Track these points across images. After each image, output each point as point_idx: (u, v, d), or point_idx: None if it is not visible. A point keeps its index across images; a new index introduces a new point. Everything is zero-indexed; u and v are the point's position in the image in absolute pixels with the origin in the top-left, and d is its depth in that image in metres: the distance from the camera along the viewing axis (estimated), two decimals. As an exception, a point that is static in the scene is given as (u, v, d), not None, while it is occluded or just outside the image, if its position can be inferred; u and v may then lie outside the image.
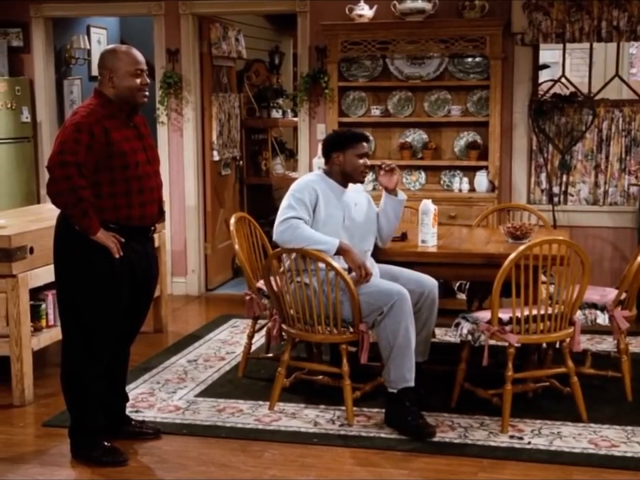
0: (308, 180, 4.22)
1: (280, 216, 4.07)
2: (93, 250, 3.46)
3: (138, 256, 3.61)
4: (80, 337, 3.60)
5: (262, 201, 8.20)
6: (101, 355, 3.65)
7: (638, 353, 5.12)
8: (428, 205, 4.52)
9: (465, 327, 4.10)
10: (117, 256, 3.49)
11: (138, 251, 3.61)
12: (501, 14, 6.05)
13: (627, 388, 4.32)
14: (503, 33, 5.96)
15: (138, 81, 3.55)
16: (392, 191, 4.37)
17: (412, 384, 3.98)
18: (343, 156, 4.19)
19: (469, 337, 4.07)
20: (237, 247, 4.64)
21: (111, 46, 3.73)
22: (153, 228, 3.70)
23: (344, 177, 4.23)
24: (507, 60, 6.10)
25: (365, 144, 4.25)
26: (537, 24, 6.00)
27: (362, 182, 4.34)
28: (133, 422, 3.96)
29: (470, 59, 6.23)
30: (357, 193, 4.34)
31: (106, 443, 3.70)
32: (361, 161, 4.21)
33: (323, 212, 4.13)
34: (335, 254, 4.02)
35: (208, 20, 6.91)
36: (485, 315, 4.10)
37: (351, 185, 4.30)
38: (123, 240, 3.51)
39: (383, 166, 4.33)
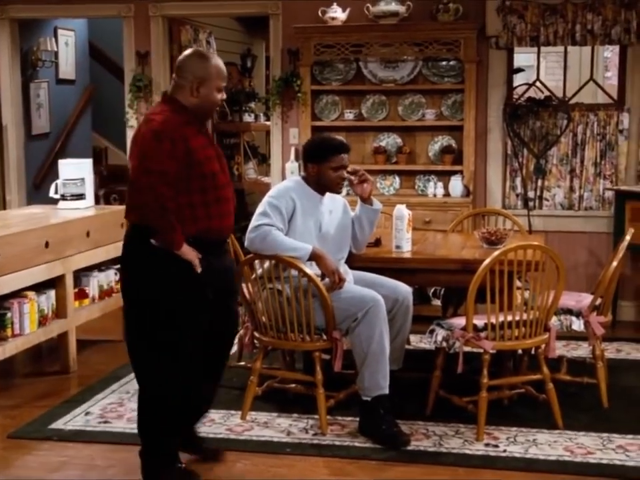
0: (286, 187, 4.19)
1: (252, 222, 4.06)
2: (173, 264, 3.28)
3: (216, 271, 3.42)
4: (160, 359, 3.38)
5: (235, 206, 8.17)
6: (185, 377, 3.44)
7: (614, 359, 5.16)
8: (402, 210, 4.53)
9: (440, 333, 4.12)
10: (199, 270, 3.33)
11: (215, 265, 3.42)
12: (475, 17, 6.10)
13: (602, 395, 4.35)
14: (478, 36, 6.01)
15: (220, 96, 3.44)
16: (367, 200, 4.36)
17: (386, 391, 3.98)
18: (318, 168, 4.16)
19: (444, 344, 4.09)
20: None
21: (197, 51, 3.50)
22: (228, 240, 3.59)
23: (320, 187, 4.22)
24: (481, 63, 6.14)
25: (343, 155, 4.18)
26: (511, 27, 6.05)
27: (338, 193, 4.31)
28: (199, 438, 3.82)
29: (444, 63, 6.26)
30: (333, 200, 4.33)
31: (181, 465, 3.54)
32: (336, 174, 4.16)
33: (300, 221, 4.12)
34: (308, 260, 4.01)
35: (178, 22, 6.89)
36: (459, 321, 4.12)
37: (327, 194, 4.29)
38: (200, 255, 3.34)
39: (354, 179, 4.30)
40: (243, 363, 4.78)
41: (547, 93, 6.27)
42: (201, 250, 3.35)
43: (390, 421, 3.94)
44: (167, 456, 3.51)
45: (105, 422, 4.22)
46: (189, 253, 3.31)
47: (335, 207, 4.32)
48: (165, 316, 3.35)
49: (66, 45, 8.22)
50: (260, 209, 4.10)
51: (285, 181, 4.37)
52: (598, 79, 7.24)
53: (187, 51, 3.48)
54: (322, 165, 4.14)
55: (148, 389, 3.47)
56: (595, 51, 6.54)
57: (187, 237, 3.32)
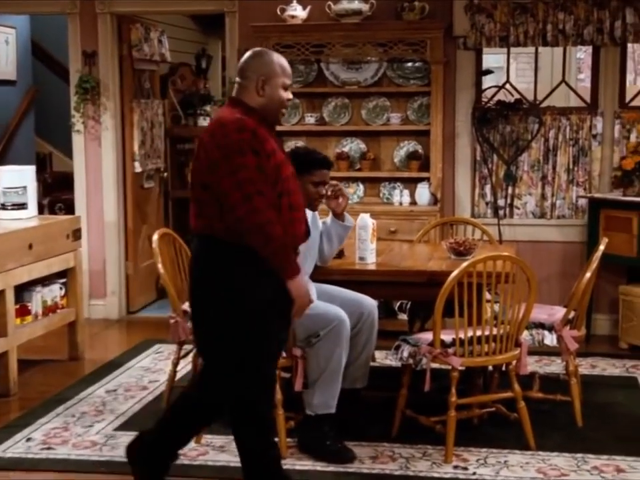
0: None
1: None
2: (262, 276, 3.26)
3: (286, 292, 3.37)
4: (250, 378, 3.37)
5: (188, 215, 8.13)
6: (272, 387, 3.53)
7: (588, 375, 5.22)
8: (366, 220, 4.54)
9: (406, 349, 4.13)
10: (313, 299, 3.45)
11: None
12: (442, 16, 6.15)
13: (576, 413, 4.39)
14: (444, 36, 6.06)
15: (286, 95, 3.41)
16: (339, 216, 4.37)
17: (333, 411, 4.04)
18: (299, 181, 4.15)
19: (410, 361, 4.10)
20: (160, 266, 4.60)
21: (257, 50, 3.49)
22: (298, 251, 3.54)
23: None
24: (448, 65, 6.20)
25: (325, 171, 4.17)
26: (479, 27, 6.11)
27: (314, 210, 4.25)
28: None
29: (410, 64, 6.31)
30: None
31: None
32: (316, 189, 4.15)
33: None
34: None
35: (128, 20, 6.86)
36: (426, 336, 4.14)
37: None
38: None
39: (329, 192, 4.27)
40: (197, 383, 4.75)
41: (517, 96, 6.34)
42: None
43: (334, 437, 3.99)
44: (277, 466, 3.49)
45: (48, 448, 4.17)
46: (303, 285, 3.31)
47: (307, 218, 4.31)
48: (267, 342, 3.34)
49: (6, 43, 8.14)
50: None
51: None
52: (570, 81, 7.33)
53: (248, 52, 3.47)
54: (303, 178, 4.06)
55: (247, 413, 3.40)
56: (567, 52, 6.62)
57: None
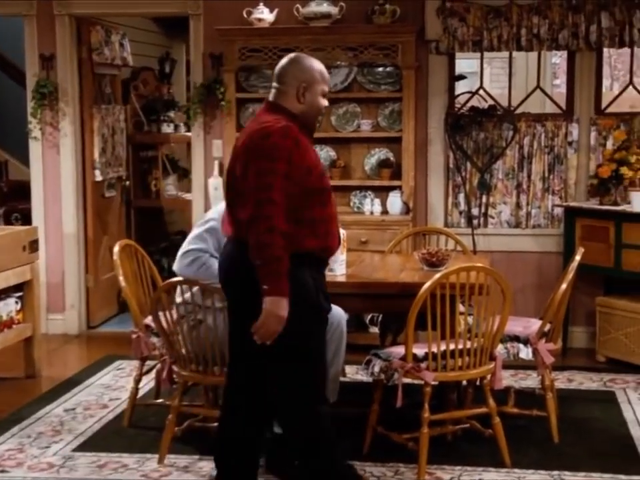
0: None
1: (187, 244, 4.02)
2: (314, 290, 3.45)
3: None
4: (309, 392, 3.54)
5: (151, 226, 8.13)
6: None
7: (565, 389, 5.26)
8: (335, 230, 4.54)
9: (377, 364, 4.13)
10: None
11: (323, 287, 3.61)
12: (413, 20, 6.19)
13: (552, 428, 4.42)
14: (416, 41, 6.10)
15: (324, 102, 3.53)
16: None
17: None
18: None
19: (382, 376, 4.10)
20: (121, 278, 4.58)
21: (297, 55, 3.59)
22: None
23: None
24: (420, 70, 6.23)
25: None
26: (452, 31, 6.16)
27: None
28: None
29: (381, 69, 6.34)
30: None
31: None
32: None
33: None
34: None
35: (88, 22, 6.84)
36: (398, 350, 4.15)
37: None
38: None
39: None
40: (160, 401, 4.74)
41: (491, 102, 6.38)
42: (319, 266, 3.53)
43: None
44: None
45: (2, 471, 4.12)
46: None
47: None
48: (317, 351, 3.53)
49: (-42, 46, 8.07)
50: (196, 230, 4.07)
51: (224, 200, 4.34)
52: (545, 87, 7.40)
53: (286, 58, 3.54)
54: None
55: (311, 430, 3.56)
56: (542, 57, 6.68)
57: (306, 253, 3.40)
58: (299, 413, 3.54)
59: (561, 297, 4.38)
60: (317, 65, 3.52)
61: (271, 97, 3.52)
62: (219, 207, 4.23)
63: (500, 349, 4.32)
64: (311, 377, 3.52)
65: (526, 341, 4.45)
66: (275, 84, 3.52)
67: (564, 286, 4.38)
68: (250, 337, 3.38)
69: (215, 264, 3.95)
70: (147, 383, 5.20)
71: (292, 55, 3.59)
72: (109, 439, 4.52)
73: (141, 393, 4.84)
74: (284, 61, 3.54)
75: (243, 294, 3.45)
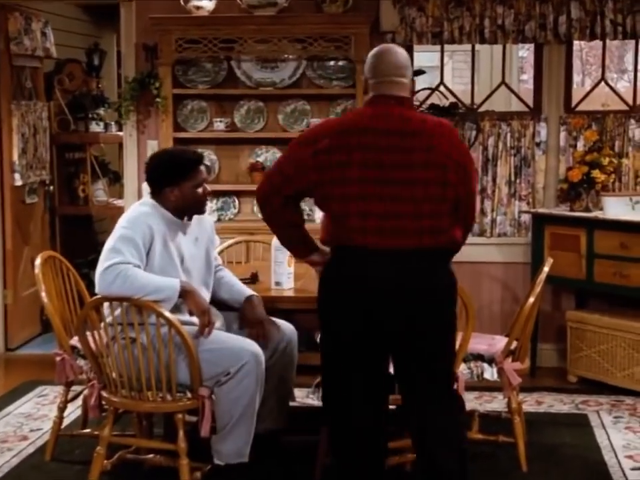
0: (141, 213, 4.14)
1: (103, 261, 3.99)
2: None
3: None
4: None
5: (79, 235, 8.06)
6: None
7: (533, 412, 5.32)
8: (282, 240, 4.55)
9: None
10: None
11: None
12: (367, 9, 6.22)
13: (520, 455, 4.44)
14: (371, 32, 6.13)
15: None
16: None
17: (246, 460, 4.04)
18: (179, 190, 4.16)
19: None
20: (44, 294, 4.54)
21: (392, 45, 3.79)
22: None
23: (182, 211, 4.21)
24: (375, 64, 6.26)
25: (202, 168, 4.24)
26: (410, 21, 6.20)
27: (203, 213, 4.34)
28: None
29: (332, 63, 6.38)
30: (200, 225, 4.33)
31: None
32: (200, 190, 4.20)
33: (159, 255, 4.08)
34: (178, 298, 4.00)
35: (4, 8, 6.78)
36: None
37: (194, 217, 4.29)
38: None
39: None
40: (88, 431, 4.70)
41: (452, 99, 6.44)
42: None
43: None
44: None
45: None
46: None
47: (201, 234, 4.33)
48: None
49: None
50: (110, 242, 4.04)
51: (136, 204, 4.32)
52: (512, 83, 7.52)
53: (398, 47, 3.67)
54: (183, 185, 4.15)
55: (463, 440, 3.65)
56: (508, 50, 6.77)
57: None
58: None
59: (528, 311, 4.41)
60: None
61: (395, 91, 3.53)
62: (130, 211, 4.20)
63: (462, 368, 4.36)
64: None
65: (491, 360, 4.49)
66: (397, 78, 3.54)
67: (531, 300, 4.41)
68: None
69: (139, 274, 3.95)
70: (73, 411, 5.16)
71: (396, 46, 3.78)
72: (28, 475, 4.48)
73: (65, 422, 4.79)
74: (401, 51, 3.62)
75: (443, 312, 3.54)
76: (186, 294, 4.02)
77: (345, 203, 3.43)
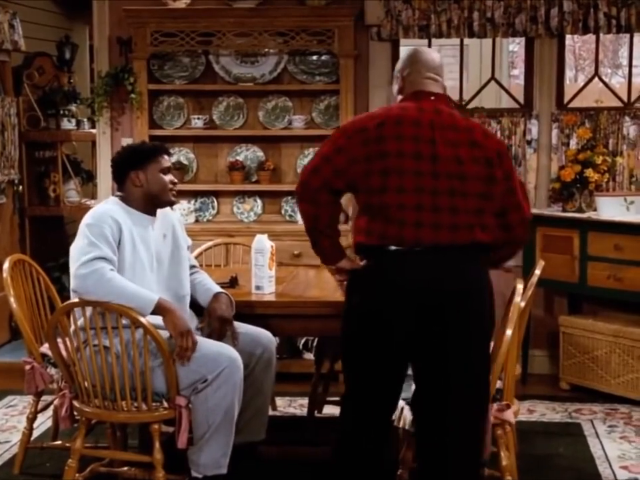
0: (105, 209, 4.17)
1: (80, 255, 3.98)
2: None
3: None
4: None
5: (50, 237, 8.02)
6: None
7: (524, 421, 5.32)
8: (263, 242, 4.55)
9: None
10: None
11: None
12: (351, 2, 6.24)
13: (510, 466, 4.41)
14: (355, 25, 6.15)
15: None
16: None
17: (224, 471, 4.04)
18: (144, 174, 4.21)
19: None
20: (12, 299, 4.53)
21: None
22: None
23: (149, 201, 4.23)
24: (360, 58, 6.29)
25: (166, 157, 4.32)
26: (395, 14, 6.22)
27: (173, 203, 4.35)
28: None
29: (315, 57, 6.39)
30: (164, 220, 4.34)
31: None
32: (168, 177, 4.26)
33: (129, 252, 4.10)
34: (152, 313, 3.98)
35: (-27, 0, 6.75)
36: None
37: (158, 212, 4.30)
38: None
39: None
40: (59, 442, 4.70)
41: (440, 96, 6.44)
42: None
43: None
44: None
45: None
46: None
47: (167, 230, 4.34)
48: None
49: None
50: (81, 239, 4.04)
51: (98, 205, 4.34)
52: (502, 79, 7.55)
53: (429, 48, 3.98)
54: (148, 168, 4.22)
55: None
56: (497, 45, 6.80)
57: None
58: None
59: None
60: None
61: (436, 89, 3.66)
62: (93, 210, 4.20)
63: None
64: None
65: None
66: (433, 75, 3.67)
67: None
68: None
69: (117, 278, 3.96)
70: (43, 422, 5.16)
71: (426, 47, 4.20)
72: (-3, 488, 4.47)
73: (35, 433, 4.80)
74: (435, 52, 3.82)
75: (483, 309, 3.58)
76: (164, 311, 4.00)
77: (400, 194, 3.45)
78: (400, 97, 3.70)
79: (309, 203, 3.62)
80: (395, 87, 3.75)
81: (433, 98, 3.60)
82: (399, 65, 3.74)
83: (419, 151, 3.47)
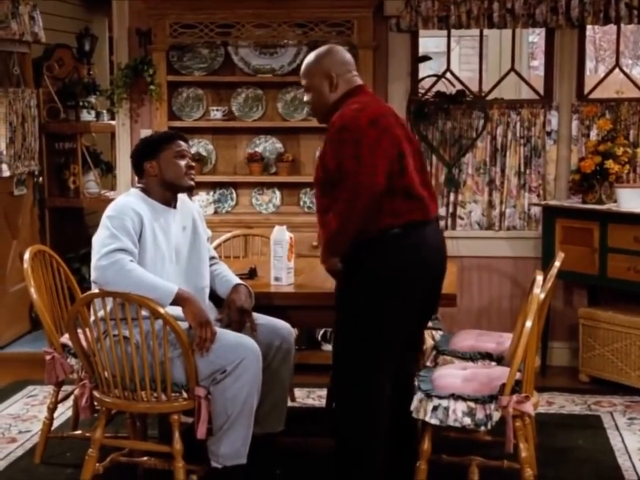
0: (127, 201, 4.20)
1: (100, 247, 4.01)
2: None
3: None
4: None
5: (70, 229, 8.07)
6: None
7: (544, 413, 5.30)
8: (282, 233, 4.56)
9: (457, 406, 3.92)
10: None
11: None
12: (371, -8, 6.22)
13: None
14: (374, 16, 6.14)
15: None
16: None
17: (244, 461, 4.05)
18: (157, 163, 4.23)
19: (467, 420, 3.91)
20: (32, 290, 4.55)
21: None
22: None
23: (167, 188, 4.26)
24: (379, 50, 6.27)
25: (181, 142, 4.33)
26: (415, 5, 6.20)
27: (191, 187, 4.35)
28: None
29: (334, 48, 6.36)
30: (184, 212, 4.36)
31: None
32: (183, 162, 4.27)
33: (150, 244, 4.11)
34: (172, 304, 4.00)
35: (-8, -8, 6.78)
36: (448, 381, 4.02)
37: (178, 204, 4.31)
38: None
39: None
40: (79, 432, 4.71)
41: (459, 87, 6.43)
42: None
43: None
44: None
45: None
46: None
47: (187, 221, 4.35)
48: None
49: None
50: (103, 231, 4.07)
51: (122, 195, 4.37)
52: (521, 70, 7.51)
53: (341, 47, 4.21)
54: (162, 155, 4.25)
55: None
56: (517, 35, 6.76)
57: None
58: None
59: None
60: None
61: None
62: (115, 202, 4.22)
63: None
64: None
65: (499, 359, 4.45)
66: (355, 70, 4.08)
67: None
68: None
69: (137, 270, 3.98)
70: (64, 412, 5.18)
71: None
72: (17, 478, 4.48)
73: (56, 423, 4.81)
74: (341, 48, 4.15)
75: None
76: (183, 302, 4.01)
77: (411, 175, 3.88)
78: (334, 95, 3.98)
79: (370, 203, 3.79)
80: (325, 87, 3.99)
81: (370, 90, 4.11)
82: (324, 66, 3.99)
83: (405, 135, 3.96)
